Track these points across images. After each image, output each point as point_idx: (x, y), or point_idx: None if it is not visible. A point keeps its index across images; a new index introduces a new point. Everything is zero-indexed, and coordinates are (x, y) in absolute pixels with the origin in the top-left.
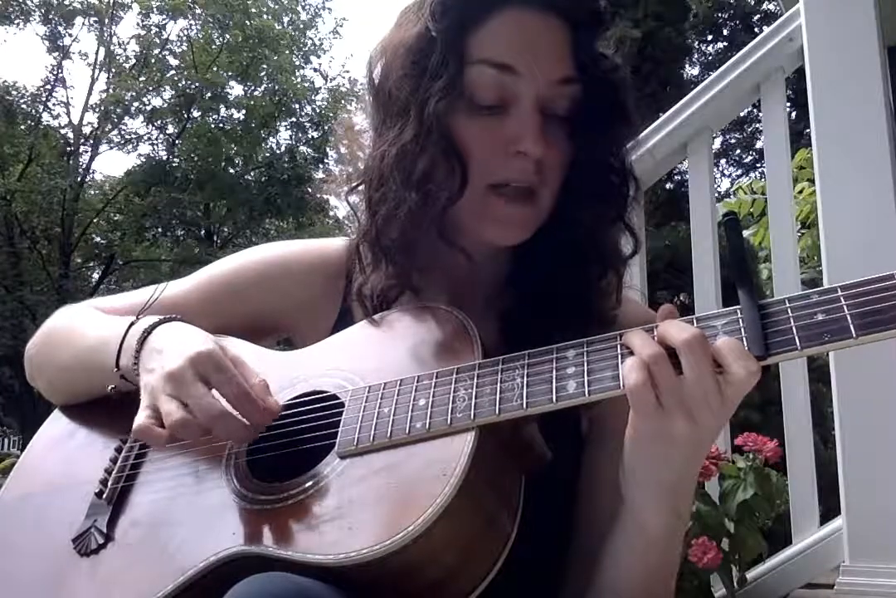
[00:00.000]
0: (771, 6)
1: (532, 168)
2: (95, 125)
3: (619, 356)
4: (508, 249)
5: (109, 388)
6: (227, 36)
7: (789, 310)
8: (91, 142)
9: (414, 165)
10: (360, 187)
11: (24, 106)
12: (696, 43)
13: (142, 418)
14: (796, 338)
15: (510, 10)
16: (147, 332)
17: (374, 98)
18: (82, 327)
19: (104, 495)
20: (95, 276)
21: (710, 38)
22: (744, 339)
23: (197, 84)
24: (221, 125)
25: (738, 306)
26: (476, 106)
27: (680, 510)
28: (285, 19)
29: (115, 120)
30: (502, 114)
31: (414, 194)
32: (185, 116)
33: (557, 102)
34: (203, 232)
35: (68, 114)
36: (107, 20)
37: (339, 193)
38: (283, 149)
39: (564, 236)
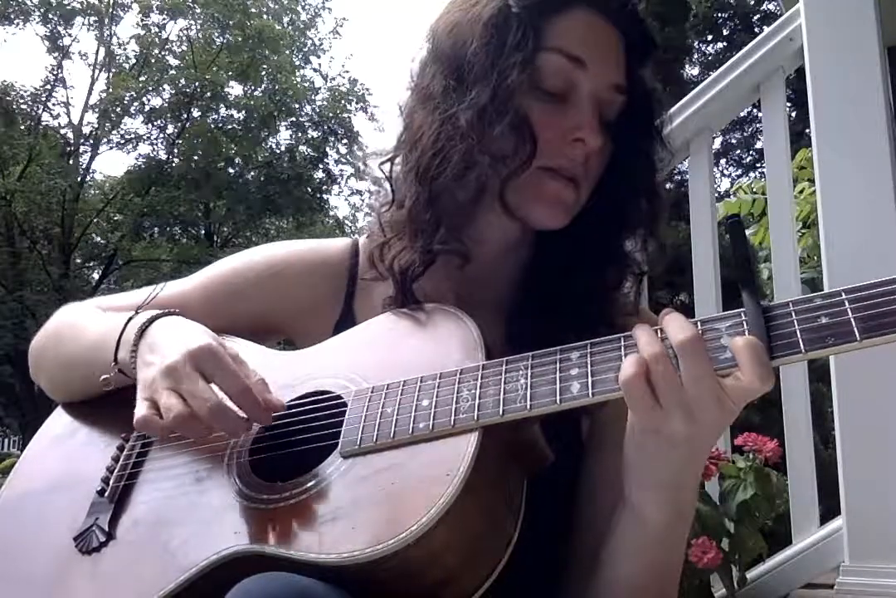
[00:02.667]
0: (771, 6)
1: (582, 159)
2: (95, 125)
3: (624, 357)
4: (528, 248)
5: (102, 378)
6: (227, 36)
7: (793, 313)
8: (91, 142)
9: (490, 129)
10: (400, 157)
11: (23, 106)
12: (696, 43)
13: (143, 409)
14: (800, 341)
15: (587, 11)
16: (145, 325)
17: (440, 66)
18: (84, 324)
19: (106, 494)
20: (95, 276)
21: (710, 38)
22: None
23: (197, 84)
24: (221, 125)
25: (741, 309)
26: (540, 90)
27: (682, 509)
28: (285, 19)
29: (115, 120)
30: (562, 102)
31: (487, 158)
32: (185, 115)
33: (606, 107)
34: (203, 232)
35: (68, 114)
36: (107, 20)
37: (367, 165)
38: (282, 149)
39: (586, 240)
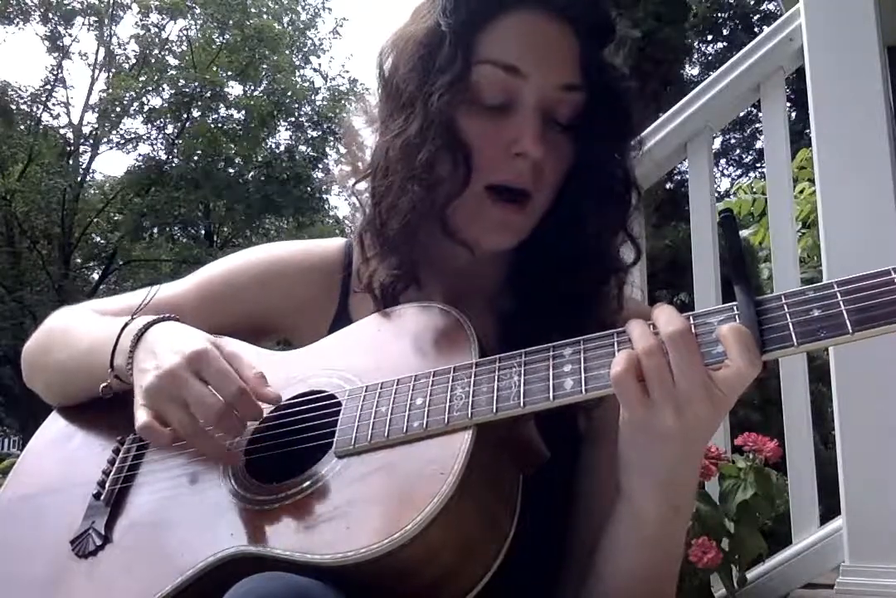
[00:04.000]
0: (771, 6)
1: (529, 171)
2: (95, 125)
3: (616, 353)
4: (509, 251)
5: (101, 386)
6: (227, 36)
7: (785, 306)
8: (91, 142)
9: (417, 157)
10: (367, 178)
11: (23, 106)
12: (696, 43)
13: (144, 417)
14: (792, 334)
15: (521, 13)
16: (141, 332)
17: (383, 90)
18: (78, 329)
19: (102, 497)
20: (95, 276)
21: (710, 38)
22: None
23: (196, 84)
24: (221, 125)
25: (734, 303)
26: (479, 105)
27: (678, 504)
28: (285, 19)
29: (115, 120)
30: (504, 115)
31: (417, 187)
32: (185, 115)
33: (560, 108)
34: (203, 232)
35: (68, 114)
36: (106, 20)
37: (346, 185)
38: (282, 148)
39: (565, 242)
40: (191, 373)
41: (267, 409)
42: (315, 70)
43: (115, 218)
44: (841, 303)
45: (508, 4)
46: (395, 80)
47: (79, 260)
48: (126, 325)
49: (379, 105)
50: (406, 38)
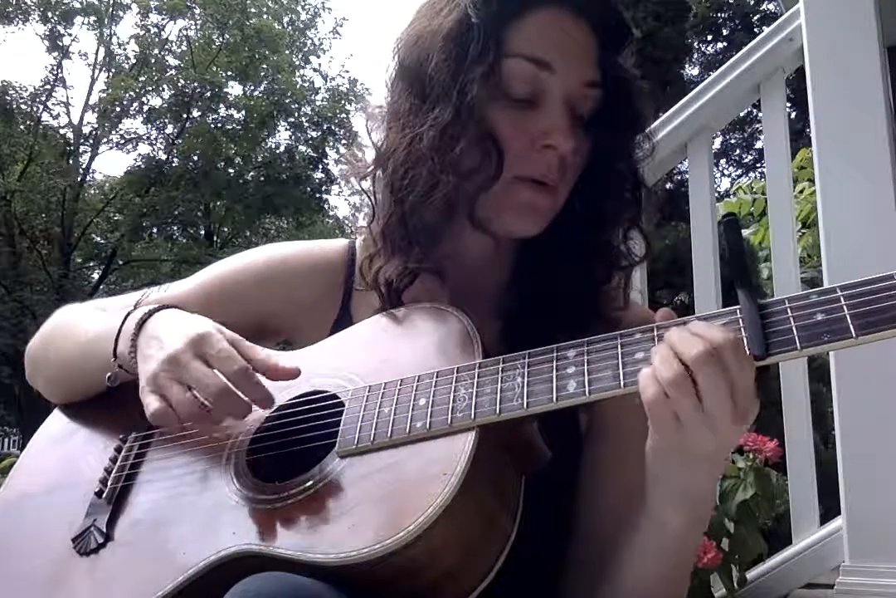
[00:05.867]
0: (771, 6)
1: (556, 164)
2: (95, 125)
3: (620, 356)
4: (513, 250)
5: (108, 376)
6: (227, 36)
7: (789, 310)
8: (91, 142)
9: (452, 148)
10: (379, 172)
11: (23, 106)
12: (696, 43)
13: (154, 403)
14: (796, 338)
15: (547, 10)
16: (143, 319)
17: (405, 82)
18: (81, 322)
19: (104, 495)
20: (95, 276)
21: (710, 38)
22: (744, 338)
23: (196, 84)
24: (220, 125)
25: (737, 306)
26: (508, 98)
27: (700, 515)
28: (285, 19)
29: (115, 120)
30: (532, 108)
31: (452, 177)
32: (185, 115)
33: (582, 104)
34: (203, 232)
35: (68, 114)
36: (106, 20)
37: (352, 179)
38: (282, 149)
39: (571, 237)
40: (193, 355)
41: (266, 411)
42: (315, 70)
43: (115, 218)
44: (844, 307)
45: (535, 1)
46: (423, 71)
47: (79, 260)
48: (129, 314)
49: (394, 99)
50: (432, 31)
